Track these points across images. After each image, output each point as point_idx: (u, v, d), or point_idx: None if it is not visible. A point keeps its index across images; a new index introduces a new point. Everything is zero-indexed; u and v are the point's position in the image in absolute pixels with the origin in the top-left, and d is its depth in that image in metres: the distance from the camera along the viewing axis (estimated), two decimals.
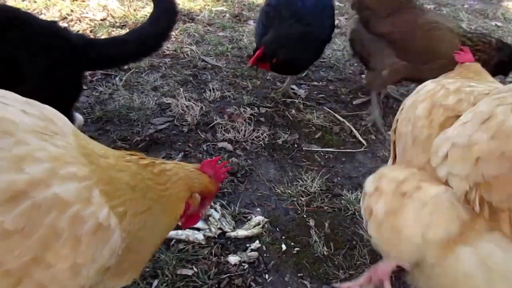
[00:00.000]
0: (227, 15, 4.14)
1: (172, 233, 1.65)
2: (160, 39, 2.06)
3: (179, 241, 1.63)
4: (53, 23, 1.85)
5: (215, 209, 1.78)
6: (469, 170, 1.01)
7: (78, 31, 3.43)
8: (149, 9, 4.03)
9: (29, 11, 3.41)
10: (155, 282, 1.46)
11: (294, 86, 2.93)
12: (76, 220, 0.82)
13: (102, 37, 3.37)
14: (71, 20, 3.65)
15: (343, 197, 1.96)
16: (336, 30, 4.07)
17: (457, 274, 1.07)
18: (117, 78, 2.76)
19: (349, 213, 1.88)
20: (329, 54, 3.51)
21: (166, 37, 2.08)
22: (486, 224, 1.04)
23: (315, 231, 1.77)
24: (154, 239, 1.08)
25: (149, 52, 2.13)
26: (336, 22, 4.28)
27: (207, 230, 1.69)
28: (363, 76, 3.19)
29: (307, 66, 2.75)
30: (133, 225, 0.98)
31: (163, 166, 1.08)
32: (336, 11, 4.65)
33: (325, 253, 1.67)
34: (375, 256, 1.68)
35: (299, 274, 1.58)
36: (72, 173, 0.87)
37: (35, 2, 3.83)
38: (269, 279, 1.55)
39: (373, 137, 2.48)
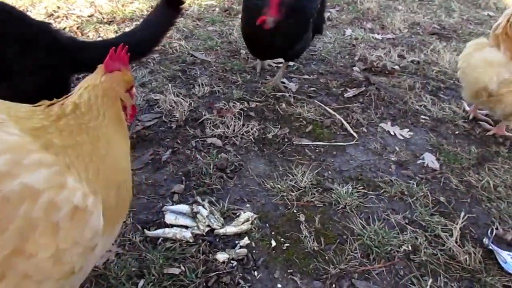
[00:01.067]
0: (217, 9, 4.09)
1: (159, 232, 1.62)
2: (152, 45, 2.05)
3: (166, 239, 1.60)
4: (45, 24, 1.82)
5: (203, 206, 1.75)
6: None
7: (65, 28, 3.38)
8: (137, 4, 3.98)
9: None
10: (141, 282, 1.43)
11: (284, 80, 2.89)
12: (50, 207, 0.83)
13: (90, 33, 3.32)
14: (58, 17, 3.59)
15: (333, 191, 1.94)
16: (327, 23, 4.05)
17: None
18: None
19: (339, 207, 1.86)
20: (320, 47, 3.47)
21: (157, 43, 2.10)
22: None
23: (305, 226, 1.74)
24: (122, 159, 1.09)
25: (139, 57, 2.12)
26: (328, 14, 4.25)
27: (195, 228, 1.66)
28: (354, 68, 3.16)
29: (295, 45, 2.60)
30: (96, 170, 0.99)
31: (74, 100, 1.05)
32: (327, 4, 4.62)
33: (315, 248, 1.65)
34: (366, 250, 1.66)
35: (289, 270, 1.55)
36: (37, 161, 0.86)
37: None
38: (258, 276, 1.52)
39: (364, 129, 2.45)
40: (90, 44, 2.13)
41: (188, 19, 3.77)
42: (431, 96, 2.84)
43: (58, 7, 3.77)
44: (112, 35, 3.34)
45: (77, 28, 3.41)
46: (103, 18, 3.63)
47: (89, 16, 3.66)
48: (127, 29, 3.47)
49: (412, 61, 3.38)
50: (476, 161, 2.26)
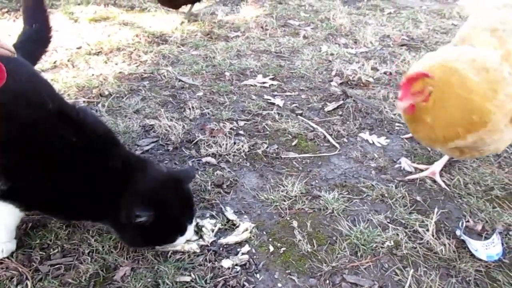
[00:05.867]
0: (199, 34, 4.31)
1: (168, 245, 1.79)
2: None
3: (175, 252, 1.78)
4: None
5: (206, 220, 1.94)
6: None
7: (55, 61, 3.54)
8: (122, 33, 4.18)
9: None
10: None
11: (270, 97, 3.11)
12: None
13: (80, 65, 3.50)
14: (47, 51, 3.74)
15: (321, 198, 2.14)
16: (303, 40, 4.31)
17: None
18: (99, 105, 2.89)
19: (328, 212, 2.06)
20: (298, 65, 3.71)
21: None
22: None
23: (298, 231, 1.94)
24: None
25: None
26: (303, 32, 4.52)
27: (200, 240, 1.84)
28: (331, 83, 3.40)
29: None
30: None
31: None
32: (302, 22, 4.89)
33: (309, 250, 1.84)
34: (354, 248, 1.87)
35: (287, 271, 1.74)
36: None
37: (9, 36, 3.92)
38: (260, 278, 1.70)
39: (345, 140, 2.67)
40: None
41: (173, 46, 3.98)
42: None
43: None
44: (102, 65, 3.52)
45: (68, 60, 3.58)
46: (91, 49, 3.81)
47: (77, 48, 3.83)
48: (115, 59, 3.66)
49: (385, 73, 3.65)
50: (447, 162, 2.49)
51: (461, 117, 1.81)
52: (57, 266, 1.68)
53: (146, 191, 1.61)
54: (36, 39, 2.16)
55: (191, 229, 1.71)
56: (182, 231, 1.69)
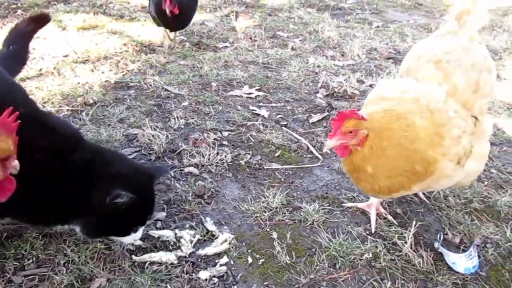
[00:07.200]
0: (187, 44, 4.33)
1: (146, 256, 1.78)
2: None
3: (152, 263, 1.77)
4: None
5: (185, 231, 1.93)
6: None
7: (41, 69, 3.53)
8: (111, 42, 4.18)
9: None
10: None
11: (255, 107, 3.12)
12: None
13: (66, 73, 3.49)
14: (34, 58, 3.73)
15: (302, 209, 2.15)
16: (291, 52, 4.34)
17: None
18: (83, 113, 2.88)
19: (308, 224, 2.06)
20: (285, 76, 3.73)
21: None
22: None
23: (278, 242, 1.94)
24: None
25: None
26: (292, 44, 4.56)
27: (179, 251, 1.83)
28: (317, 95, 3.43)
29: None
30: None
31: None
32: (291, 34, 4.93)
33: (287, 261, 1.84)
34: (333, 260, 1.87)
35: (265, 283, 1.74)
36: None
37: None
38: None
39: (328, 151, 2.68)
40: None
41: (160, 55, 3.98)
42: None
43: (34, 48, 3.91)
44: (88, 74, 3.51)
45: (54, 68, 3.57)
46: (78, 58, 3.80)
47: (64, 56, 3.82)
48: (102, 67, 3.66)
49: (371, 85, 3.68)
50: None
51: (404, 167, 1.67)
52: (31, 277, 1.66)
53: (124, 176, 1.67)
54: (13, 57, 2.18)
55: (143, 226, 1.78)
56: (143, 224, 1.75)
